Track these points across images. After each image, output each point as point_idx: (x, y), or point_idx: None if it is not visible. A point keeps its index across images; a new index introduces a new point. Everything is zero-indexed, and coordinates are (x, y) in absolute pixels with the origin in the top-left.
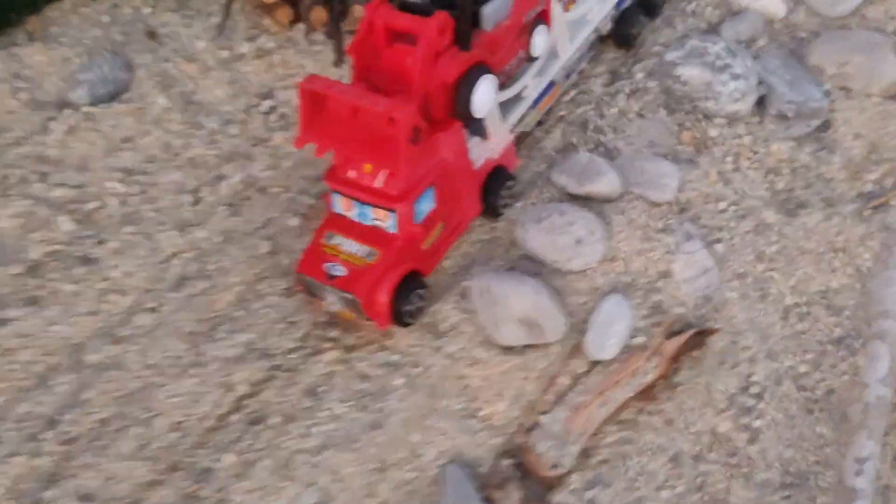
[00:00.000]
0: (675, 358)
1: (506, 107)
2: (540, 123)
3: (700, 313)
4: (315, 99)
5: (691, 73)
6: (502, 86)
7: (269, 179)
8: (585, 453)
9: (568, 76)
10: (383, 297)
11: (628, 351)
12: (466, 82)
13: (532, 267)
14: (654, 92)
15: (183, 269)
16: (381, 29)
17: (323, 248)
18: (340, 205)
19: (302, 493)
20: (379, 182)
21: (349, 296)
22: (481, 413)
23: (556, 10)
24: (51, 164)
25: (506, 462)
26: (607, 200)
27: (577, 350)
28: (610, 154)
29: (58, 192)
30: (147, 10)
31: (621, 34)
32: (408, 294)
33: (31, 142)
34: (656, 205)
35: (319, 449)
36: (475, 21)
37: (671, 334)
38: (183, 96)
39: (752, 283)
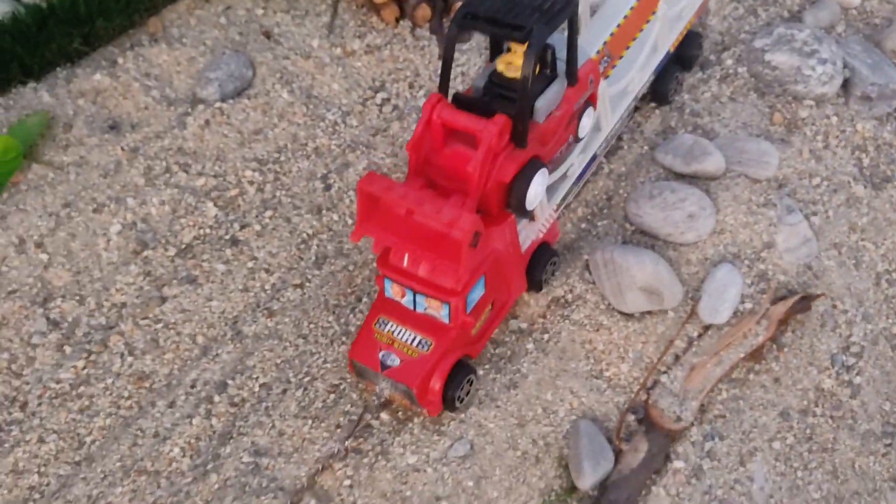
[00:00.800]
0: (782, 321)
1: (552, 188)
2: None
3: (801, 280)
4: (372, 197)
5: (781, 59)
6: (551, 170)
7: (391, 166)
8: (702, 409)
9: (607, 146)
10: (436, 387)
11: (739, 315)
12: (522, 179)
13: (646, 240)
14: (744, 77)
15: (322, 248)
16: (440, 126)
17: (376, 335)
18: (394, 291)
19: (454, 445)
20: (433, 274)
21: (404, 386)
22: (606, 374)
23: (602, 89)
24: (190, 155)
25: (630, 418)
26: (712, 178)
27: (691, 315)
28: (707, 135)
29: (200, 181)
30: (259, 11)
31: (659, 92)
32: (459, 381)
33: (170, 135)
34: (757, 181)
35: (469, 413)
36: (529, 115)
37: (777, 300)
38: (303, 91)
39: (847, 252)
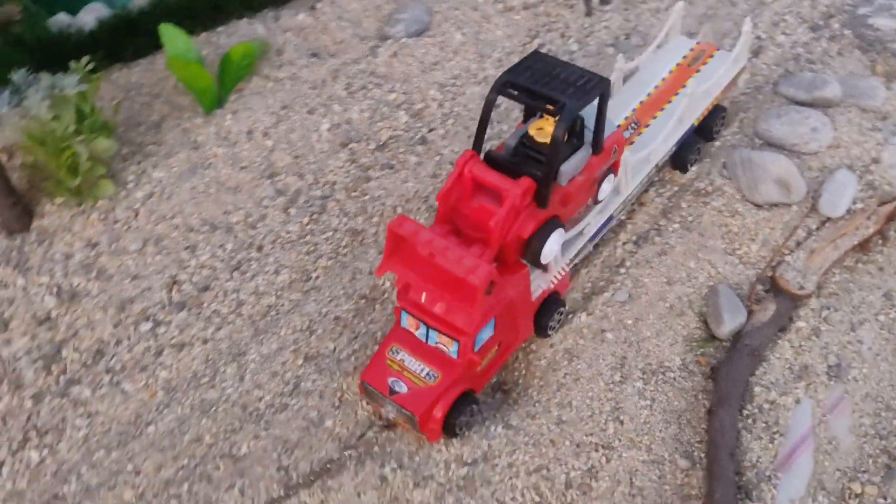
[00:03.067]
0: (889, 219)
1: (567, 243)
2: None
3: None
4: (400, 238)
5: (883, 23)
6: (567, 229)
7: None
8: (819, 286)
9: (624, 209)
10: (437, 415)
11: (851, 212)
12: (540, 236)
13: (773, 150)
14: (849, 37)
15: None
16: (470, 181)
17: (388, 361)
18: (409, 323)
19: (616, 293)
20: (448, 314)
21: (408, 413)
22: (739, 252)
23: (626, 157)
24: (382, 77)
25: (759, 287)
26: (829, 105)
27: (812, 210)
28: None
29: (392, 96)
30: None
31: (679, 160)
32: (460, 409)
33: (364, 62)
34: (866, 111)
35: (626, 267)
36: (554, 179)
37: (883, 203)
38: (473, 35)
39: None
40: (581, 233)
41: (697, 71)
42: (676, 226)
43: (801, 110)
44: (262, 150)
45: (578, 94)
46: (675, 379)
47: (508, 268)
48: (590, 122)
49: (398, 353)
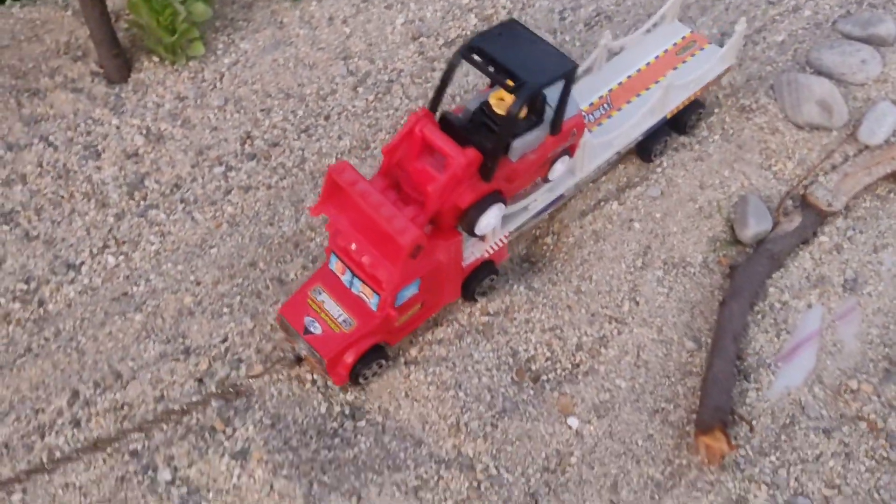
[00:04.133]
0: None
1: (510, 217)
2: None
3: None
4: (337, 186)
5: None
6: (511, 203)
7: (614, 11)
8: (847, 208)
9: (577, 190)
10: (347, 361)
11: (889, 143)
12: (477, 208)
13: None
14: None
15: None
16: (419, 140)
17: (308, 300)
18: (336, 266)
19: (649, 188)
20: (373, 267)
21: (317, 354)
22: (774, 168)
23: (586, 139)
24: None
25: (789, 202)
26: (882, 44)
27: (850, 137)
28: None
29: (465, 1)
30: None
31: (645, 149)
32: (369, 360)
33: None
34: None
35: (662, 168)
36: (503, 153)
37: None
38: None
39: None
40: (526, 208)
41: (683, 62)
42: (717, 137)
43: (854, 44)
44: (340, 35)
45: (541, 73)
46: (694, 274)
47: (442, 233)
48: (553, 102)
49: (320, 293)
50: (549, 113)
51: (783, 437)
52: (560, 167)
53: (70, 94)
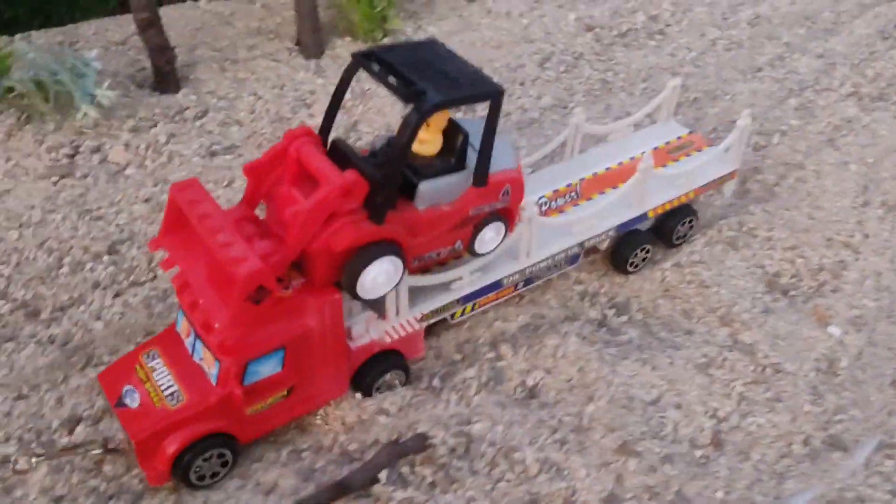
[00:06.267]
0: None
1: (423, 293)
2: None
3: None
4: (178, 208)
5: None
6: (420, 270)
7: None
8: None
9: (529, 283)
10: (167, 452)
11: None
12: (359, 258)
13: None
14: None
15: None
16: (294, 162)
17: (137, 365)
18: (181, 325)
19: (857, 136)
20: (208, 313)
21: (126, 432)
22: None
23: (531, 214)
24: None
25: None
26: None
27: None
28: None
29: (629, 5)
30: None
31: (617, 257)
32: (203, 453)
33: None
34: None
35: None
36: (406, 194)
37: None
38: None
39: None
40: (447, 287)
41: (675, 160)
42: None
43: None
44: (519, 25)
45: (452, 88)
46: None
47: (313, 290)
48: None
49: (154, 358)
50: (472, 159)
51: None
52: (491, 237)
53: (270, 62)
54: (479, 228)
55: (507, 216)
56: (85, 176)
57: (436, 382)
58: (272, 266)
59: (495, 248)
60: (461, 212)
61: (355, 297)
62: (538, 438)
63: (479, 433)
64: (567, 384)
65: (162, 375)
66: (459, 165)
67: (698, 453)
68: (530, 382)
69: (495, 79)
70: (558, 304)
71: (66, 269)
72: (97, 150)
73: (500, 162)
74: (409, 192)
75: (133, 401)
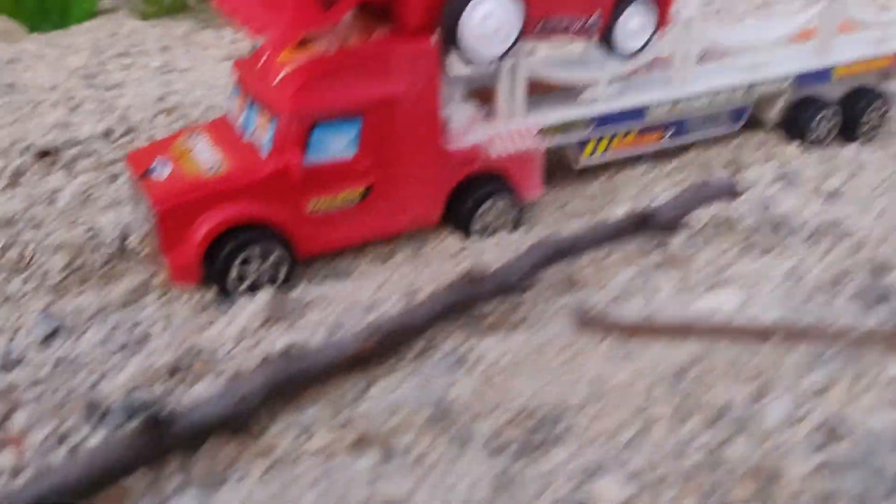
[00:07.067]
0: None
1: (546, 103)
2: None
3: None
4: None
5: None
6: (544, 34)
7: None
8: None
9: (679, 133)
10: (193, 236)
11: None
12: None
13: None
14: None
15: None
16: None
17: (172, 145)
18: (235, 104)
19: None
20: (280, 78)
21: (149, 202)
22: None
23: (691, 14)
24: None
25: None
26: None
27: None
28: None
29: None
30: None
31: (793, 121)
32: (246, 247)
33: None
34: None
35: None
36: None
37: None
38: None
39: None
40: (575, 99)
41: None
42: None
43: None
44: None
45: None
46: None
47: (403, 38)
48: None
49: (195, 138)
50: None
51: None
52: (635, 27)
53: None
54: (621, 7)
55: (660, 2)
56: None
57: None
58: None
59: (641, 48)
60: None
61: (453, 44)
62: None
63: None
64: None
65: (203, 152)
66: None
67: None
68: None
69: None
70: None
71: None
72: None
73: None
74: None
75: (163, 172)
